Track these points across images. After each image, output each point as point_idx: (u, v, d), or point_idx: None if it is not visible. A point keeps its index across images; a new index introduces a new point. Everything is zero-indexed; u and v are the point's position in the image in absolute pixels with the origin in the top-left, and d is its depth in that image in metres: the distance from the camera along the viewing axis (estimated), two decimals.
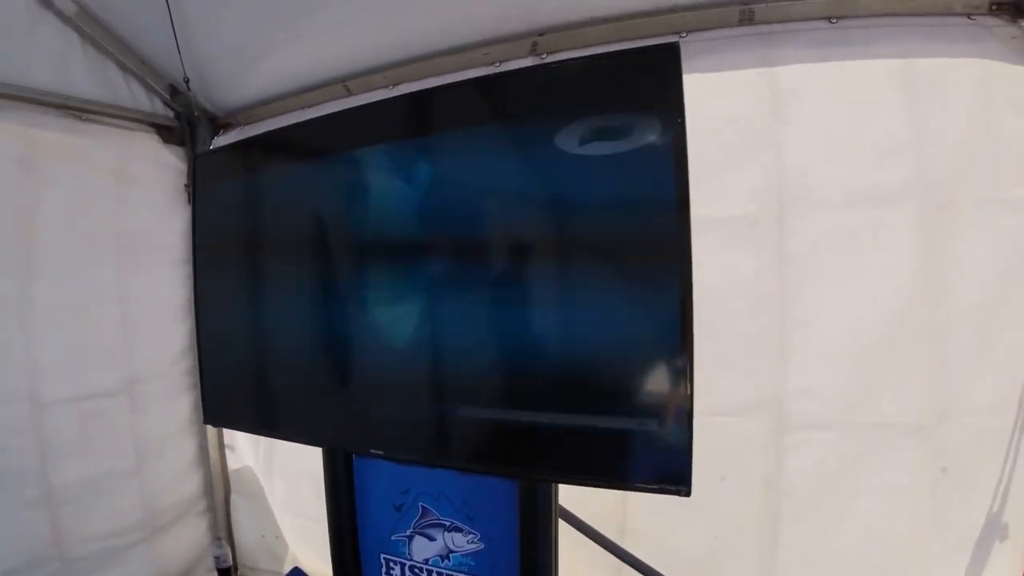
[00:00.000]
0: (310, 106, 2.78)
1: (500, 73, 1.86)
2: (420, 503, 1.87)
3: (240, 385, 2.21)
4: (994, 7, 1.87)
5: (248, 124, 3.03)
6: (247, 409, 2.24)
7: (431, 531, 1.86)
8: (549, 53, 2.20)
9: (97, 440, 2.69)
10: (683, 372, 1.36)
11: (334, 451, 1.98)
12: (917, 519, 1.96)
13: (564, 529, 1.82)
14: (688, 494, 1.38)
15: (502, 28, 2.22)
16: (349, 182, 1.90)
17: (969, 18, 1.89)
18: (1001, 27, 1.88)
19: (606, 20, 2.12)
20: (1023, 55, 1.86)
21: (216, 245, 2.25)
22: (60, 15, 2.47)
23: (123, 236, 2.80)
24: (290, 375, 2.05)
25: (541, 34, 2.20)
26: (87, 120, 2.65)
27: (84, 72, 2.62)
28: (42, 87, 2.47)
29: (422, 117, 1.77)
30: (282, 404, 2.11)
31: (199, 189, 2.36)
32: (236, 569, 3.19)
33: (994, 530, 1.90)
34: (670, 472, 1.40)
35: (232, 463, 3.23)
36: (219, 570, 3.07)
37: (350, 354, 1.89)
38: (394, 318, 1.78)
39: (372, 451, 1.85)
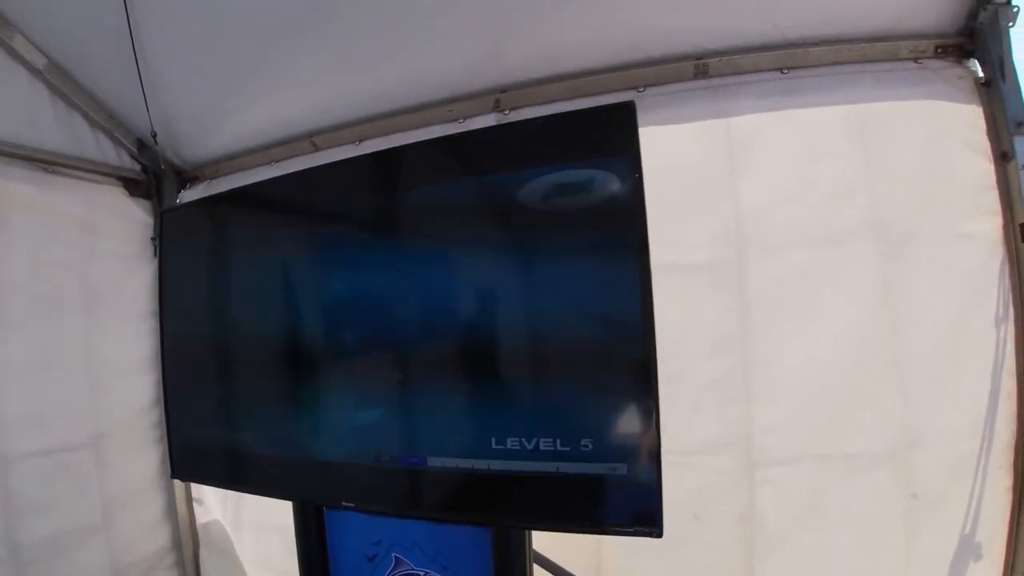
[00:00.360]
0: (277, 161, 2.81)
1: (463, 133, 1.91)
2: (393, 553, 1.84)
3: (208, 439, 2.17)
4: (939, 50, 1.97)
5: (215, 178, 3.04)
6: (215, 463, 2.19)
7: None
8: (512, 109, 2.27)
9: (64, 496, 2.62)
10: (650, 416, 1.38)
11: (304, 504, 1.96)
12: (892, 546, 1.98)
13: (540, 574, 1.83)
14: (660, 535, 1.39)
15: (465, 85, 2.28)
16: (314, 239, 1.92)
17: (916, 62, 1.99)
18: (947, 68, 1.98)
19: (566, 76, 2.19)
20: (970, 94, 1.95)
21: (182, 299, 2.24)
22: (29, 68, 2.49)
23: (89, 288, 2.77)
24: (259, 429, 2.02)
25: (503, 91, 2.26)
26: (54, 172, 2.64)
27: (52, 125, 2.63)
28: (9, 139, 2.47)
29: (388, 175, 1.79)
30: (251, 458, 2.07)
31: (166, 244, 2.36)
32: None
33: (968, 551, 1.93)
34: (642, 514, 1.41)
35: (200, 517, 3.16)
36: None
37: (319, 406, 1.88)
38: (363, 369, 1.79)
39: (343, 504, 1.83)
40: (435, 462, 1.66)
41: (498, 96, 2.27)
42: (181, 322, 2.25)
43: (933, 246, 1.95)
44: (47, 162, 2.61)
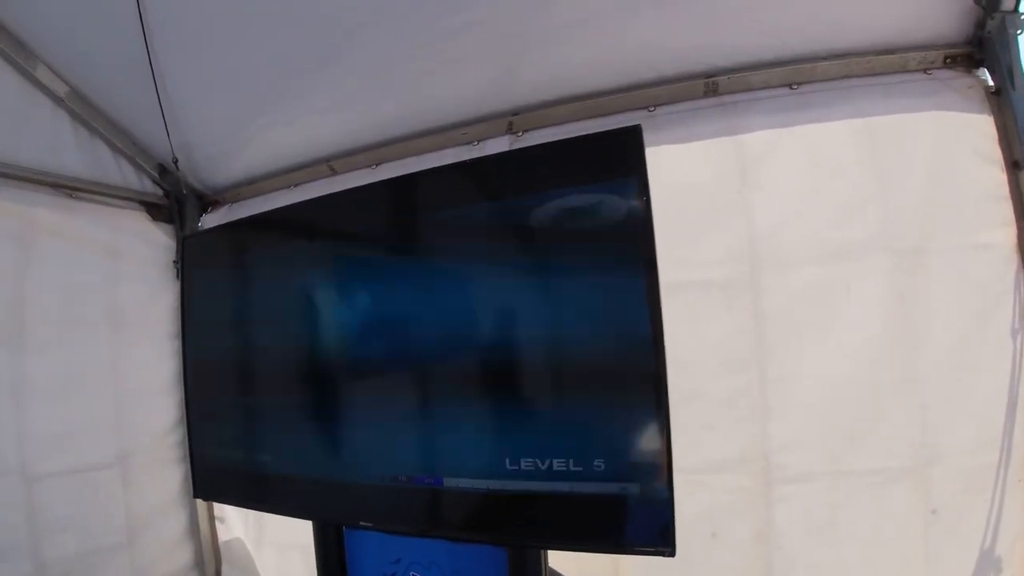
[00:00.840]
0: (296, 185, 2.87)
1: (476, 159, 1.94)
2: (411, 572, 1.87)
3: (229, 459, 2.22)
4: (948, 60, 1.97)
5: (236, 202, 3.10)
6: (237, 482, 2.24)
7: None
8: (524, 131, 2.29)
9: (89, 514, 2.67)
10: (662, 435, 1.40)
11: (324, 523, 1.99)
12: (911, 563, 1.96)
13: None
14: (672, 554, 1.40)
15: (479, 109, 2.32)
16: (333, 263, 1.97)
17: (925, 73, 1.99)
18: (957, 78, 1.97)
19: (578, 98, 2.22)
20: (980, 103, 1.95)
21: (204, 322, 2.30)
22: (52, 96, 2.55)
23: (113, 311, 2.83)
24: (279, 449, 2.06)
25: (516, 113, 2.29)
26: (78, 198, 2.71)
27: (75, 151, 2.70)
28: (34, 166, 2.54)
29: (405, 200, 1.84)
30: (271, 478, 2.11)
31: (188, 268, 2.42)
32: None
33: (988, 566, 1.91)
34: (654, 533, 1.42)
35: (223, 535, 3.19)
36: None
37: (338, 427, 1.92)
38: (381, 391, 1.82)
39: (361, 523, 1.86)
40: (451, 482, 1.69)
41: (511, 119, 2.30)
42: (203, 345, 2.31)
43: (947, 257, 1.94)
44: (71, 188, 2.68)
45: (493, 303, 1.67)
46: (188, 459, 2.77)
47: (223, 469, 2.25)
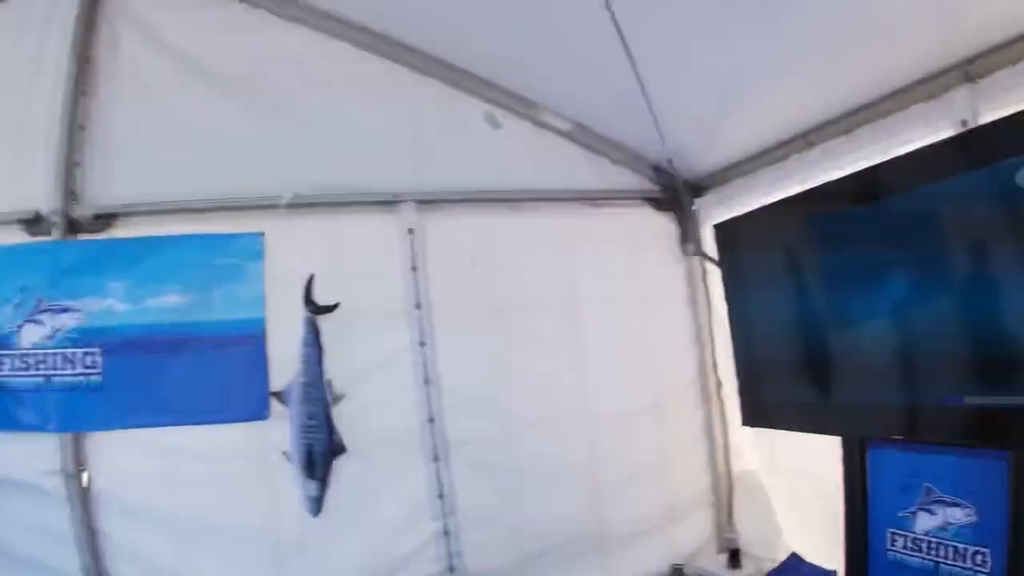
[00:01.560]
0: (775, 162, 3.02)
1: (977, 127, 2.07)
2: (923, 483, 2.15)
3: (772, 392, 2.74)
4: None
5: (722, 185, 3.50)
6: (781, 411, 2.74)
7: (933, 507, 2.13)
8: (980, 77, 2.16)
9: (632, 447, 3.46)
10: None
11: (851, 443, 2.38)
12: None
13: None
14: None
15: (934, 64, 2.29)
16: (851, 235, 2.37)
17: None
18: None
19: None
20: None
21: (744, 291, 2.89)
22: (562, 133, 3.42)
23: (639, 288, 3.55)
24: (825, 385, 2.50)
25: (970, 62, 2.18)
26: (597, 205, 3.53)
27: (587, 170, 3.54)
28: (561, 188, 3.44)
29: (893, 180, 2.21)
30: (816, 406, 2.55)
31: (723, 247, 3.13)
32: (740, 553, 3.56)
33: None
34: None
35: (736, 466, 3.66)
36: (730, 551, 3.53)
37: (876, 363, 2.27)
38: (911, 323, 2.15)
39: (894, 437, 2.23)
40: (970, 400, 1.96)
41: (966, 68, 2.20)
42: (747, 309, 2.91)
43: None
44: (590, 199, 3.53)
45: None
46: (706, 403, 3.53)
47: (769, 402, 2.79)
